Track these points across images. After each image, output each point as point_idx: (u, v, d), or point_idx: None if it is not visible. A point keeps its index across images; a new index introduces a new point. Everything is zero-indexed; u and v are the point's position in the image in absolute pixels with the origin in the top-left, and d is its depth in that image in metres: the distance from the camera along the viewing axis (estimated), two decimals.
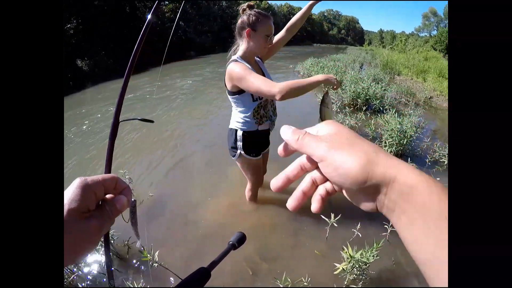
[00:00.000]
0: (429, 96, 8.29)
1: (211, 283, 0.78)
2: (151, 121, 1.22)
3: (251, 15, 1.85)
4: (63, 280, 1.92)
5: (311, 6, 2.09)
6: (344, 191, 0.41)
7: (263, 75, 2.03)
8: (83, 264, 2.15)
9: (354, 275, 1.98)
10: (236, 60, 1.87)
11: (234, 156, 2.25)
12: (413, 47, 30.25)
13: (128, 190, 0.45)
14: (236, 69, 1.79)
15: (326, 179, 0.42)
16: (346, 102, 6.49)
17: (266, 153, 2.55)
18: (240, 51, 1.95)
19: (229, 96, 2.07)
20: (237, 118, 2.12)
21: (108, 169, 1.10)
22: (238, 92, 1.96)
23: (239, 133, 2.13)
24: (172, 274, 1.95)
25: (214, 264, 0.79)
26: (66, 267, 1.91)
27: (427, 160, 3.80)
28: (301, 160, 0.46)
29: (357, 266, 1.93)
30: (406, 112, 4.59)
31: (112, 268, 1.22)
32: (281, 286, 1.91)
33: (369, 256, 1.89)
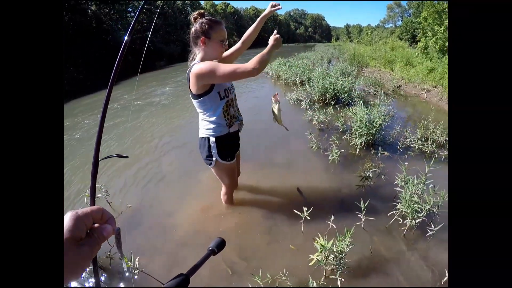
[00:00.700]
0: (397, 85, 8.51)
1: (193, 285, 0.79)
2: (126, 157, 1.30)
3: (203, 24, 1.89)
4: None
5: (262, 19, 2.18)
6: None
7: None
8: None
9: (332, 266, 2.00)
10: (197, 62, 1.91)
11: (210, 164, 2.24)
12: (380, 38, 30.94)
13: (112, 219, 0.53)
14: (203, 66, 1.82)
15: None
16: (315, 98, 6.57)
17: (238, 154, 2.55)
18: (197, 59, 1.97)
19: (195, 102, 2.07)
20: (206, 125, 2.12)
21: (92, 202, 1.25)
22: (204, 93, 1.97)
23: (212, 140, 2.13)
24: (153, 280, 1.95)
25: (193, 269, 0.79)
26: None
27: (398, 147, 3.88)
28: None
29: (332, 256, 1.94)
30: (375, 103, 4.68)
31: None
32: (261, 283, 1.91)
33: (343, 245, 1.91)
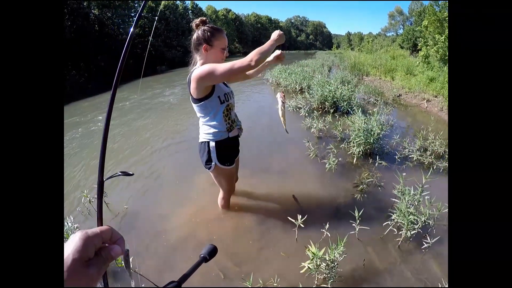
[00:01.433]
0: (398, 94, 8.52)
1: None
2: (131, 174, 1.31)
3: (205, 31, 1.93)
4: None
5: (265, 64, 2.25)
6: None
7: (224, 83, 2.16)
8: None
9: (324, 274, 1.98)
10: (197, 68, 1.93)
11: (209, 169, 2.25)
12: (381, 47, 31.12)
13: (122, 240, 0.53)
14: (202, 68, 1.83)
15: None
16: (315, 106, 6.59)
17: (237, 160, 2.57)
18: (198, 65, 2.01)
19: (195, 106, 2.09)
20: (206, 130, 2.14)
21: (100, 222, 1.27)
22: (205, 97, 1.99)
23: (212, 144, 2.14)
24: (145, 281, 2.00)
25: (185, 277, 0.78)
26: None
27: (396, 157, 3.86)
28: None
29: (324, 264, 1.93)
30: (374, 111, 4.69)
31: None
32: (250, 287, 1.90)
33: (336, 253, 1.89)
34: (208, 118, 2.10)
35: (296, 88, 8.84)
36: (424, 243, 2.22)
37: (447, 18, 9.30)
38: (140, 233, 2.63)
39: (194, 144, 2.56)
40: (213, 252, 0.92)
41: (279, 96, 2.20)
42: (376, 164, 3.66)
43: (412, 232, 2.32)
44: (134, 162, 4.23)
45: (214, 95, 2.01)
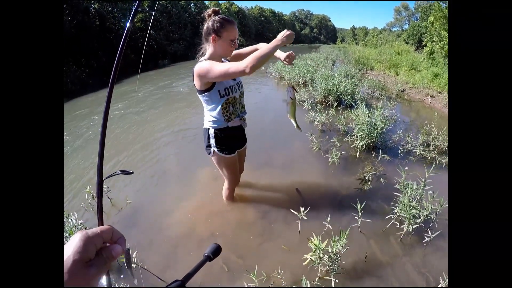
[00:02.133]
0: (401, 89, 8.48)
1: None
2: (131, 173, 1.32)
3: (215, 21, 1.92)
4: None
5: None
6: None
7: None
8: None
9: (327, 266, 2.00)
10: (202, 61, 1.97)
11: (209, 154, 2.33)
12: (386, 42, 30.86)
13: (123, 239, 0.53)
14: (202, 65, 1.89)
15: None
16: (318, 99, 6.56)
17: (242, 151, 2.60)
18: (207, 55, 2.03)
19: (199, 96, 2.13)
20: (208, 117, 2.20)
21: (101, 222, 1.28)
22: (206, 89, 2.03)
23: (211, 131, 2.21)
24: (150, 275, 2.03)
25: (189, 276, 0.79)
26: None
27: (399, 151, 3.86)
28: None
29: (327, 257, 1.94)
30: (378, 106, 4.68)
31: None
32: (256, 280, 1.91)
33: (338, 246, 1.90)
34: (209, 108, 2.16)
35: (299, 82, 8.81)
36: (425, 237, 2.23)
37: None
38: (143, 227, 2.65)
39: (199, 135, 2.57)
40: (217, 251, 0.94)
41: (289, 90, 2.05)
42: (379, 158, 3.65)
43: (414, 226, 2.33)
44: (140, 155, 4.26)
45: (215, 89, 2.04)
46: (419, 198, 2.44)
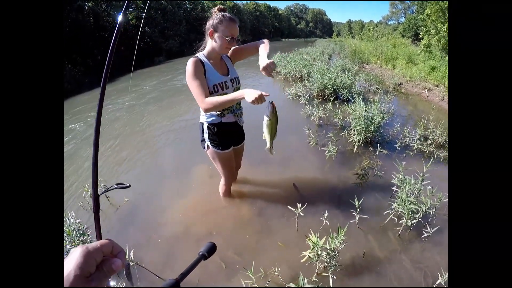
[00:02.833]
0: (398, 83, 8.46)
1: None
2: (127, 186, 1.31)
3: (215, 18, 1.96)
4: None
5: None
6: None
7: (228, 70, 2.16)
8: None
9: (325, 263, 1.98)
10: (195, 57, 1.99)
11: (204, 148, 2.35)
12: (382, 35, 30.80)
13: (123, 253, 0.53)
14: (188, 68, 1.93)
15: None
16: (315, 94, 6.54)
17: (239, 148, 2.59)
18: (205, 50, 2.07)
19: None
20: (202, 112, 2.20)
21: (99, 236, 1.28)
22: None
23: (205, 125, 2.23)
24: (148, 274, 2.02)
25: (183, 275, 0.77)
26: None
27: (397, 145, 3.84)
28: None
29: (325, 253, 1.92)
30: (375, 99, 4.66)
31: None
32: (253, 277, 1.89)
33: (336, 242, 1.88)
34: None
35: (296, 76, 8.78)
36: (424, 232, 2.21)
37: None
38: (141, 225, 2.64)
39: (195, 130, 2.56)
40: (212, 249, 0.93)
41: (268, 106, 1.75)
42: (377, 152, 3.63)
43: (413, 222, 2.31)
44: (136, 151, 4.23)
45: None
46: (417, 193, 2.42)
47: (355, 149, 3.86)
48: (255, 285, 1.91)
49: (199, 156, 3.55)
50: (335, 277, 1.88)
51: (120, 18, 1.22)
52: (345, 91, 6.22)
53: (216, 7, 2.02)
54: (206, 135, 2.25)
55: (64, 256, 0.45)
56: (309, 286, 1.72)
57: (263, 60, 1.79)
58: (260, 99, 1.64)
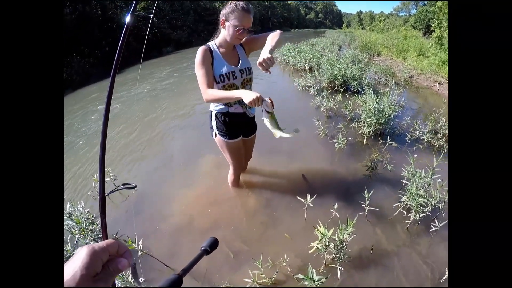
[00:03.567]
0: (409, 75, 8.33)
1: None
2: (134, 187, 1.31)
3: (228, 7, 1.93)
4: None
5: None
6: None
7: (239, 60, 2.11)
8: None
9: (333, 254, 1.98)
10: (205, 46, 2.01)
11: (212, 136, 2.37)
12: (393, 27, 30.28)
13: (128, 252, 0.54)
14: (197, 57, 1.94)
15: None
16: (324, 85, 6.47)
17: (249, 140, 2.59)
18: (218, 38, 2.06)
19: None
20: None
21: (105, 236, 1.31)
22: None
23: (213, 113, 2.26)
24: (156, 262, 2.05)
25: (186, 270, 0.77)
26: None
27: (407, 138, 3.80)
28: None
29: (333, 245, 1.92)
30: (386, 92, 4.59)
31: None
32: (261, 267, 1.91)
33: (345, 234, 1.88)
34: None
35: (305, 67, 8.70)
36: (432, 226, 2.19)
37: None
38: (149, 215, 2.66)
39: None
40: (214, 244, 0.93)
41: (265, 103, 1.75)
42: (387, 144, 3.60)
43: (421, 215, 2.29)
44: (145, 141, 4.25)
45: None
46: (427, 186, 2.39)
47: (364, 141, 3.83)
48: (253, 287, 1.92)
49: (207, 146, 3.56)
50: (342, 269, 1.88)
51: (128, 19, 1.19)
52: (355, 82, 6.14)
53: None
54: (214, 123, 2.28)
55: (71, 255, 0.45)
56: (318, 277, 1.72)
57: (262, 53, 1.74)
58: (257, 101, 1.67)
